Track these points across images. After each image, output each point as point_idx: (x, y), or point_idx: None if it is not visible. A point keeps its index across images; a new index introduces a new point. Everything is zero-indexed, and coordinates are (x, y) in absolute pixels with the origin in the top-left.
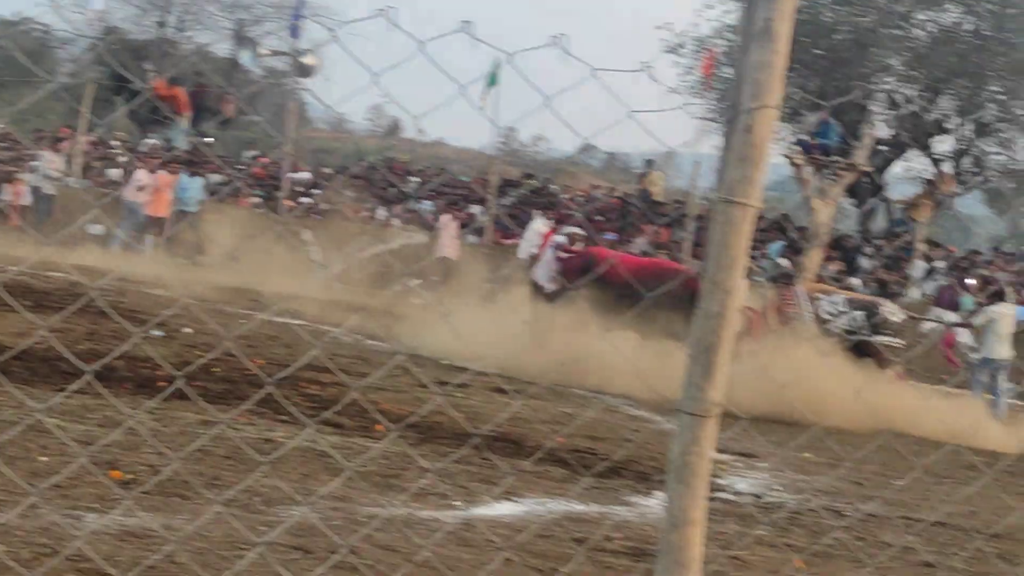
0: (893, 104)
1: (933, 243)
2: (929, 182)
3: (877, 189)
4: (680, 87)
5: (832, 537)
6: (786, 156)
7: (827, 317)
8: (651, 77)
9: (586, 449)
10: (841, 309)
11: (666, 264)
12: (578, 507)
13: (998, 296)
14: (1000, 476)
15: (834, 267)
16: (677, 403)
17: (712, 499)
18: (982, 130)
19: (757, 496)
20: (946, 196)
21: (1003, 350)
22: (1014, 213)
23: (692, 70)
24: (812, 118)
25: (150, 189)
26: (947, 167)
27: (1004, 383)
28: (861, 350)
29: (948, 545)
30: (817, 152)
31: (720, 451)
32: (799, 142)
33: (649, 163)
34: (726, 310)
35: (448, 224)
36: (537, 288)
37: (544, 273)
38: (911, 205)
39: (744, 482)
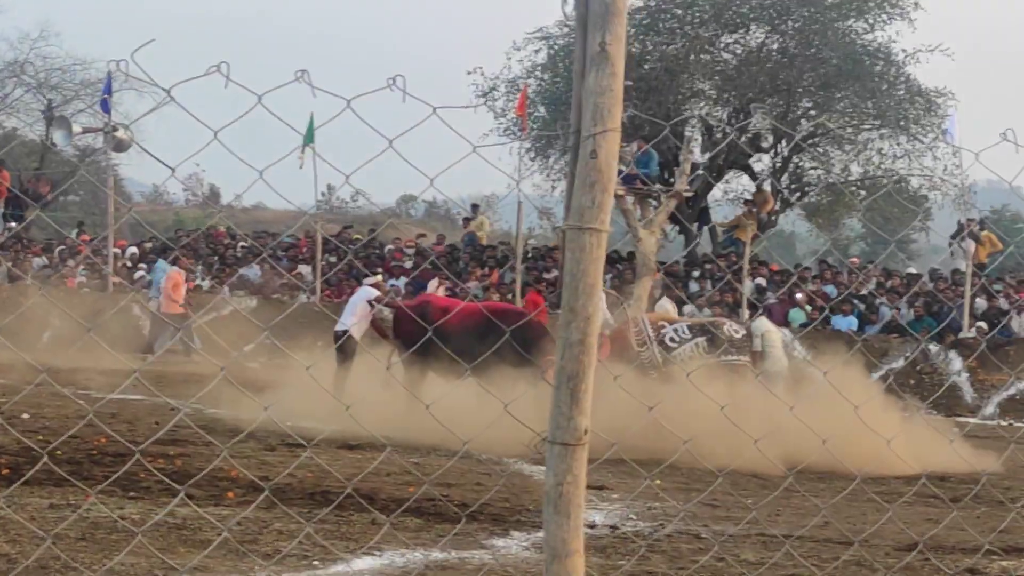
0: (708, 128)
1: (759, 261)
2: (749, 202)
3: (700, 213)
4: (496, 129)
5: (693, 560)
6: None
7: (671, 344)
8: (490, 109)
9: (439, 497)
10: (684, 335)
11: (499, 306)
12: (438, 555)
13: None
14: (847, 484)
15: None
16: (548, 434)
17: None
18: (797, 146)
19: (613, 527)
20: (767, 214)
21: (778, 362)
22: (833, 226)
23: (506, 112)
24: (631, 148)
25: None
26: (766, 186)
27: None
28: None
29: (808, 557)
30: (638, 182)
31: None
32: (619, 173)
33: (475, 207)
34: (587, 337)
35: (438, 291)
36: (348, 340)
37: (355, 324)
38: (734, 226)
39: (599, 514)
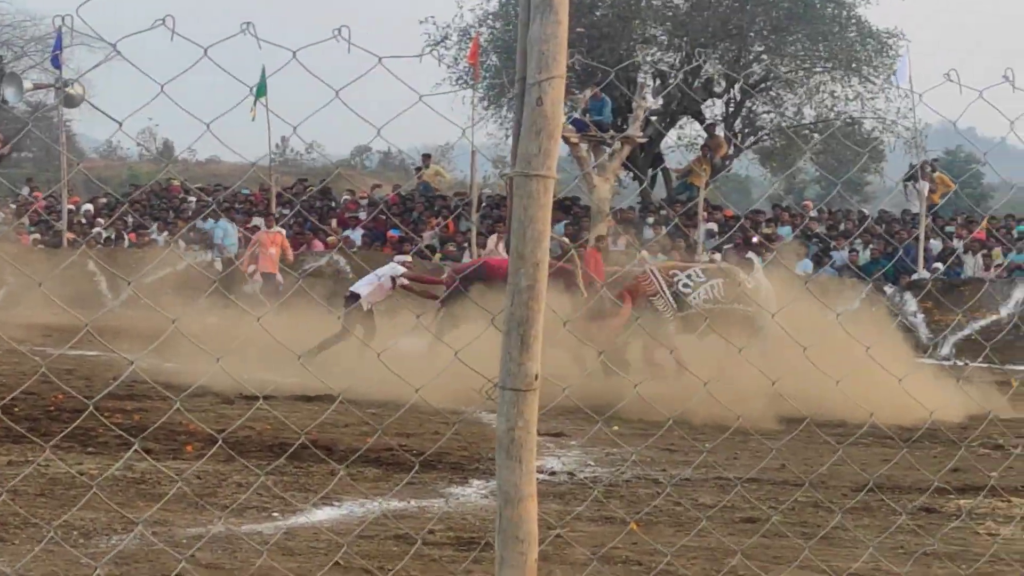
0: (661, 74)
1: (713, 206)
2: (703, 147)
3: (653, 160)
4: (448, 78)
5: (651, 505)
6: (562, 136)
7: (684, 290)
8: (436, 59)
9: (398, 447)
10: (698, 279)
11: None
12: (396, 504)
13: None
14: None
15: (622, 240)
16: (498, 380)
17: None
18: (750, 90)
19: (571, 474)
20: (720, 159)
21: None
22: (787, 170)
23: (458, 61)
24: (584, 95)
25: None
26: (718, 131)
27: None
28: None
29: (765, 500)
30: (591, 129)
31: None
32: (573, 120)
33: (426, 157)
34: (536, 283)
35: (499, 247)
36: (353, 311)
37: (369, 293)
38: (688, 172)
39: (557, 461)
